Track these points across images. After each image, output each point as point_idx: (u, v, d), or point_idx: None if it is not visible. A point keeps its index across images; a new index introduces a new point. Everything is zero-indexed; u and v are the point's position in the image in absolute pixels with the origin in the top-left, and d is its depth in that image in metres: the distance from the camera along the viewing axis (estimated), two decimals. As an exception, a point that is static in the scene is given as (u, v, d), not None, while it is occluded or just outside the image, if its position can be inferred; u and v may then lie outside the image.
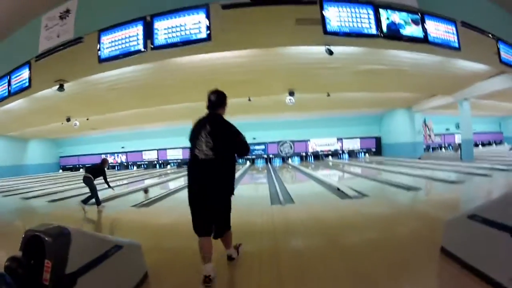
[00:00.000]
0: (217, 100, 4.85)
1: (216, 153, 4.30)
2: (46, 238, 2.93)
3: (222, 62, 12.44)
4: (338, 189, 12.16)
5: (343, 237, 6.17)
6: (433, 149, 37.36)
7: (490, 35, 10.82)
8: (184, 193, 10.80)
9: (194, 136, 4.51)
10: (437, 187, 12.01)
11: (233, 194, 4.67)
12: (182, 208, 10.20)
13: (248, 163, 32.73)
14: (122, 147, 38.59)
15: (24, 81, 11.39)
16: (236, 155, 4.74)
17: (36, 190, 17.83)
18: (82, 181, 11.21)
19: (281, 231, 6.85)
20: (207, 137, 4.37)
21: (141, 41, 8.74)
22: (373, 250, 5.20)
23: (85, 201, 10.81)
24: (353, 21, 8.39)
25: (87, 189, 15.58)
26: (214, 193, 4.36)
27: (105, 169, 11.71)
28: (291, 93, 17.98)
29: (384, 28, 8.48)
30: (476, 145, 36.66)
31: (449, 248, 4.56)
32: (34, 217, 9.23)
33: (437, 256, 4.62)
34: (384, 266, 4.47)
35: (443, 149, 38.06)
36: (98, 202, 11.00)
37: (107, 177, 11.70)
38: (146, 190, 9.99)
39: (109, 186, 11.84)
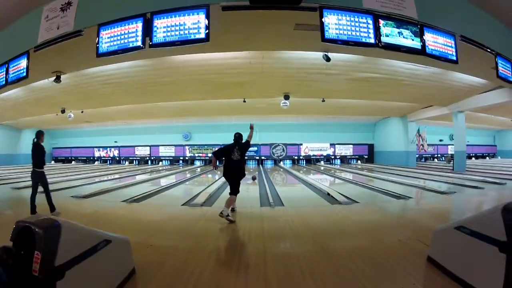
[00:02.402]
0: (239, 137, 9.10)
1: (241, 156, 8.89)
2: (37, 230, 2.95)
3: (219, 63, 12.60)
4: (328, 194, 12.22)
5: (330, 242, 6.20)
6: (426, 159, 37.55)
7: (489, 50, 10.81)
8: (175, 191, 11.27)
9: (230, 150, 8.85)
10: (427, 197, 12.00)
11: (244, 176, 9.06)
12: (172, 206, 10.36)
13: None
14: (115, 142, 38.58)
15: (21, 71, 11.36)
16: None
17: (28, 180, 17.80)
18: (31, 178, 9.59)
19: (269, 234, 6.88)
20: (237, 151, 8.82)
21: (140, 38, 8.70)
22: (359, 256, 5.22)
23: (51, 206, 9.13)
24: (351, 30, 8.33)
25: (78, 182, 15.54)
26: (237, 174, 8.87)
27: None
28: (286, 97, 18.07)
29: (383, 38, 8.42)
30: (470, 157, 36.89)
31: (435, 257, 4.61)
32: (24, 208, 9.12)
33: (423, 265, 4.68)
34: (369, 273, 4.51)
35: (435, 159, 38.19)
36: (52, 206, 9.16)
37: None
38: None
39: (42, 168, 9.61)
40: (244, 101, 19.51)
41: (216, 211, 8.84)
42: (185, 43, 8.46)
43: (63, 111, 22.18)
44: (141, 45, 8.77)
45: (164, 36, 8.57)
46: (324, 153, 36.25)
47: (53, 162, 39.89)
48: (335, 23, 8.21)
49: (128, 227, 7.47)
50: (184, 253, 5.57)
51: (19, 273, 2.81)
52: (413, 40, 8.83)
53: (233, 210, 8.99)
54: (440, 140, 37.17)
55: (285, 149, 35.68)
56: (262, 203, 10.75)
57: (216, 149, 9.37)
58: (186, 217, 8.72)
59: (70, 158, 40.44)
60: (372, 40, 8.43)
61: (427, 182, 15.70)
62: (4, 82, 12.23)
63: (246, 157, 9.14)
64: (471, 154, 39.14)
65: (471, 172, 20.69)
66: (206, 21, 8.15)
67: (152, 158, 38.09)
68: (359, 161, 36.39)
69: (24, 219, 3.16)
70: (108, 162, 39.31)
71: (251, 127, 9.61)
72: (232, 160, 8.79)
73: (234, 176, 8.84)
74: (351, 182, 17.48)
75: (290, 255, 5.48)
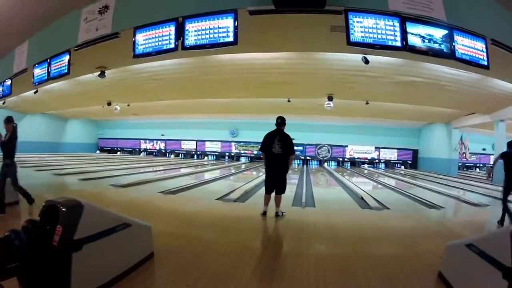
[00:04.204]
0: (281, 122, 8.44)
1: (282, 150, 8.13)
2: (61, 208, 3.35)
3: (262, 63, 12.84)
4: (362, 198, 12.14)
5: (347, 246, 6.17)
6: (468, 168, 36.76)
7: None
8: (213, 186, 11.86)
9: (270, 141, 8.21)
10: (459, 208, 11.60)
11: (288, 172, 8.40)
12: (206, 199, 10.63)
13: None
14: (162, 135, 39.37)
15: (63, 68, 12.11)
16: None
17: (70, 168, 18.55)
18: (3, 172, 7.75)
19: (291, 233, 7.03)
20: (278, 142, 8.14)
21: (172, 41, 9.11)
22: (370, 264, 5.19)
23: (30, 199, 7.99)
24: (377, 33, 8.23)
25: (120, 172, 15.91)
26: (281, 170, 8.24)
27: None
28: (330, 98, 17.96)
29: (410, 41, 8.32)
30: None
31: (446, 274, 4.44)
32: (62, 192, 9.46)
33: (433, 282, 4.48)
34: (373, 283, 4.43)
35: (477, 169, 37.30)
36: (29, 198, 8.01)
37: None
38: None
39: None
40: (289, 101, 19.59)
41: (248, 207, 9.47)
42: (215, 46, 8.80)
43: (109, 104, 23.01)
44: (174, 48, 9.17)
45: (195, 40, 8.94)
46: (369, 156, 35.80)
47: (98, 151, 41.42)
48: (360, 26, 8.19)
49: (158, 216, 7.87)
50: (203, 243, 5.86)
51: (40, 242, 3.19)
52: (441, 43, 8.66)
53: (264, 213, 8.35)
54: (483, 149, 36.15)
55: (330, 150, 35.50)
56: (294, 202, 10.76)
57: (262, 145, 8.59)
58: (216, 211, 8.96)
59: (116, 148, 41.71)
60: (398, 44, 8.30)
61: (463, 193, 15.16)
62: (46, 77, 12.95)
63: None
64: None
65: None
66: (235, 25, 8.42)
67: (198, 152, 38.68)
68: (402, 166, 35.44)
69: (52, 199, 3.54)
70: (153, 154, 40.25)
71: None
72: (273, 154, 8.15)
73: (276, 173, 8.28)
74: (388, 187, 17.34)
75: (302, 255, 5.52)
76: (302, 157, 35.46)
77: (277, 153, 8.11)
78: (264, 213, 8.32)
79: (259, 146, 8.65)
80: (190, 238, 6.13)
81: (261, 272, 4.72)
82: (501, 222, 8.58)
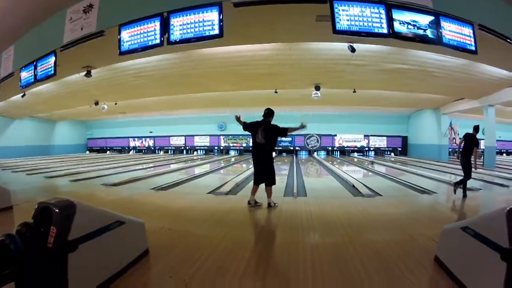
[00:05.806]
0: (268, 113, 8.42)
1: (266, 140, 8.16)
2: (54, 209, 3.29)
3: (248, 55, 12.80)
4: (353, 186, 12.20)
5: (340, 233, 6.17)
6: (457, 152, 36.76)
7: (508, 40, 10.53)
8: (204, 180, 12.22)
9: (254, 131, 8.29)
10: (451, 193, 10.99)
11: (271, 162, 8.48)
12: (198, 194, 10.65)
13: (274, 154, 31.25)
14: (151, 132, 39.37)
15: (49, 69, 12.06)
16: (281, 137, 8.80)
17: (60, 170, 18.47)
18: None
19: (284, 224, 6.98)
20: (262, 132, 8.16)
21: (158, 36, 9.12)
22: (365, 250, 5.19)
23: None
24: (363, 20, 8.24)
25: (110, 171, 15.87)
26: (264, 160, 8.33)
27: None
28: (317, 88, 18.03)
29: (396, 28, 8.29)
30: (501, 153, 36.09)
31: (442, 258, 4.45)
32: (54, 195, 9.41)
33: (429, 265, 4.49)
34: (369, 269, 4.41)
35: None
36: None
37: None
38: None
39: None
40: (276, 92, 19.53)
41: (240, 200, 9.27)
42: (201, 40, 8.80)
43: (96, 103, 22.87)
44: (160, 43, 9.17)
45: (180, 34, 8.94)
46: (358, 145, 35.96)
47: (87, 152, 41.22)
48: (346, 15, 8.18)
49: (151, 213, 7.81)
50: (197, 238, 5.84)
51: (36, 244, 3.13)
52: (428, 29, 8.65)
53: (256, 203, 8.45)
54: (473, 134, 35.64)
55: (319, 140, 35.61)
56: (286, 193, 10.86)
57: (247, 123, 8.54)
58: (208, 205, 8.93)
59: (105, 148, 41.62)
60: (385, 31, 8.29)
61: (455, 178, 14.89)
62: (33, 80, 12.93)
63: (278, 147, 8.60)
64: (502, 150, 37.50)
65: (501, 169, 20.01)
66: (220, 18, 8.44)
67: (187, 147, 38.67)
68: (392, 154, 35.70)
69: (45, 201, 3.47)
70: (143, 151, 40.25)
71: (302, 126, 8.58)
72: (257, 143, 8.29)
73: (259, 163, 8.39)
74: (380, 174, 17.50)
75: (297, 245, 5.48)
76: (291, 148, 35.59)
77: (259, 143, 8.27)
78: (249, 203, 8.52)
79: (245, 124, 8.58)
80: (184, 233, 6.12)
81: (257, 263, 4.70)
82: (458, 184, 10.29)
